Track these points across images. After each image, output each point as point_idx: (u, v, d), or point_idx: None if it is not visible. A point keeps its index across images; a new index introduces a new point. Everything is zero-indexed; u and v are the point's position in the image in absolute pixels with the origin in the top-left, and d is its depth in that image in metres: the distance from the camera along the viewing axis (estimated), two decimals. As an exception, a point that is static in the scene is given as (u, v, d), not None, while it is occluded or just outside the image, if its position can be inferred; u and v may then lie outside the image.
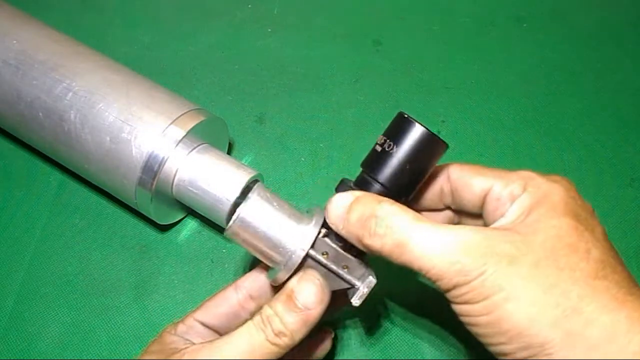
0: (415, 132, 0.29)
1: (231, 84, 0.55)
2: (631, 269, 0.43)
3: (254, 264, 0.43)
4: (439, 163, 0.32)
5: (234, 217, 0.31)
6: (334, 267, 0.30)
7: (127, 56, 0.56)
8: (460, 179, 0.31)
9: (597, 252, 0.26)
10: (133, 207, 0.41)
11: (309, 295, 0.29)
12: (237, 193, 0.38)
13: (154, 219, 0.41)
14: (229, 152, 0.48)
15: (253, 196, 0.31)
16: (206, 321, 0.33)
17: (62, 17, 0.60)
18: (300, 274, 0.30)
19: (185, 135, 0.38)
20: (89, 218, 0.45)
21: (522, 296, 0.25)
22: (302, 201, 0.46)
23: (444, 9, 0.63)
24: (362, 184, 0.31)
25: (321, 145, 0.50)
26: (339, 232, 0.29)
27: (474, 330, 0.26)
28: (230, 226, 0.31)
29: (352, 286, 0.31)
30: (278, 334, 0.28)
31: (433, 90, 0.55)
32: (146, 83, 0.41)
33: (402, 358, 0.39)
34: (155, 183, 0.38)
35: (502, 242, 0.26)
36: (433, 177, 0.32)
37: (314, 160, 0.49)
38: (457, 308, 0.27)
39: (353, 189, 0.30)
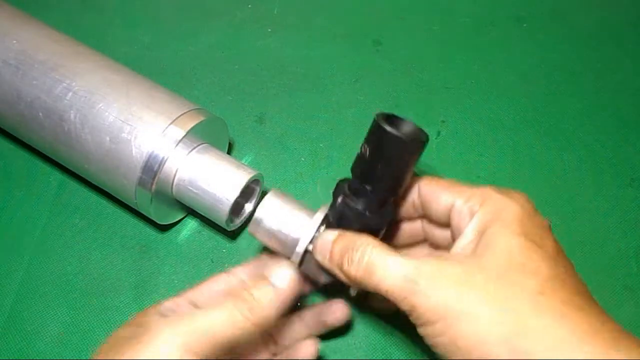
0: (384, 135, 0.30)
1: (231, 84, 0.55)
2: (631, 269, 0.43)
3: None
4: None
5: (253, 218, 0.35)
6: None
7: (127, 56, 0.56)
8: (428, 194, 0.34)
9: (545, 269, 0.27)
10: (133, 207, 0.41)
11: (283, 276, 0.32)
12: (237, 193, 0.38)
13: (154, 219, 0.41)
14: (229, 152, 0.48)
15: (269, 197, 0.35)
16: (195, 299, 0.34)
17: (62, 17, 0.60)
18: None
19: (185, 135, 0.38)
20: (89, 218, 0.45)
21: (473, 315, 0.26)
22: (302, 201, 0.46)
23: (444, 9, 0.63)
24: (353, 190, 0.33)
25: (321, 145, 0.50)
26: (323, 263, 0.32)
27: (437, 350, 0.28)
28: (249, 226, 0.35)
29: None
30: (251, 311, 0.30)
31: (433, 90, 0.55)
32: (146, 83, 0.41)
33: (402, 358, 0.39)
34: (155, 183, 0.38)
35: (455, 264, 0.28)
36: (406, 189, 0.34)
37: (314, 160, 0.49)
38: (419, 330, 0.28)
39: (346, 193, 0.33)
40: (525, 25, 0.62)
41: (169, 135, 0.38)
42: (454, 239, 0.32)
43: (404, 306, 0.28)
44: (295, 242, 0.34)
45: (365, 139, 0.32)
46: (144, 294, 0.41)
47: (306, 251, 0.34)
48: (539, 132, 0.52)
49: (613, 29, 0.62)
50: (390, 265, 0.29)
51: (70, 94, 0.39)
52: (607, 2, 0.65)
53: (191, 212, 0.45)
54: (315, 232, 0.34)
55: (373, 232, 0.33)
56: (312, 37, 0.60)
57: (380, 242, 0.31)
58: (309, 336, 0.37)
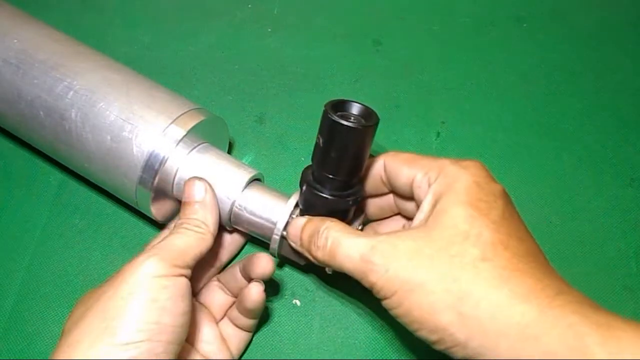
0: (333, 125, 0.32)
1: (231, 84, 0.55)
2: (631, 269, 0.43)
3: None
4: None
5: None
6: None
7: (127, 56, 0.56)
8: (392, 169, 0.35)
9: (488, 234, 0.29)
10: (133, 206, 0.41)
11: (194, 192, 0.36)
12: (237, 192, 0.38)
13: (154, 218, 0.41)
14: (229, 152, 0.48)
15: (246, 190, 0.38)
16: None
17: (62, 17, 0.60)
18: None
19: (186, 135, 0.38)
20: (89, 218, 0.45)
21: (423, 286, 0.28)
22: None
23: (444, 9, 0.63)
24: (316, 178, 0.35)
25: (321, 145, 0.50)
26: (296, 247, 0.36)
27: (400, 321, 0.30)
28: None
29: None
30: (197, 226, 0.34)
31: (433, 91, 0.55)
32: (147, 82, 0.41)
33: (403, 358, 0.39)
34: (155, 182, 0.38)
35: (406, 239, 0.30)
36: (373, 165, 0.37)
37: (314, 160, 0.49)
38: (383, 304, 0.30)
39: (309, 182, 0.35)
40: (525, 25, 0.62)
41: (170, 134, 0.38)
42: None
43: (365, 283, 0.31)
44: (272, 230, 0.37)
45: (319, 129, 0.33)
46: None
47: (282, 237, 0.37)
48: (538, 133, 0.52)
49: (613, 29, 0.62)
50: (349, 247, 0.31)
51: (71, 92, 0.39)
52: (607, 2, 0.65)
53: None
54: (289, 218, 0.37)
55: (341, 213, 0.36)
56: (312, 37, 0.60)
57: (343, 225, 0.33)
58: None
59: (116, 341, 0.29)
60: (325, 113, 0.32)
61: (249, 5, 0.63)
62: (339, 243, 0.32)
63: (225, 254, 0.42)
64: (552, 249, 0.44)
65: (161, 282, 0.31)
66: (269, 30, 0.60)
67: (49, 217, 0.45)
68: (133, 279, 0.30)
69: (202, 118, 0.40)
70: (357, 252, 0.31)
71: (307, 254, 0.35)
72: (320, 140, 0.33)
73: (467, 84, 0.56)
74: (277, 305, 0.41)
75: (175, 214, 0.43)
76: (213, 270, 0.41)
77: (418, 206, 0.34)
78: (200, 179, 0.37)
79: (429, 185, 0.33)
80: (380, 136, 0.51)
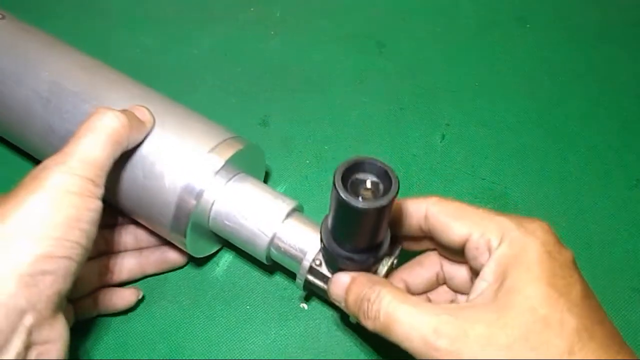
0: (338, 199, 0.28)
1: (235, 86, 0.55)
2: (638, 270, 0.43)
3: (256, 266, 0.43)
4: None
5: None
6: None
7: (130, 60, 0.56)
8: (439, 223, 0.31)
9: (572, 320, 0.26)
10: (168, 239, 0.39)
11: (107, 120, 0.33)
12: (276, 227, 0.36)
13: (190, 253, 0.39)
14: (266, 180, 0.47)
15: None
16: None
17: (65, 22, 0.60)
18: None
19: (222, 167, 0.37)
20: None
21: None
22: (308, 204, 0.46)
23: (447, 10, 0.63)
24: (335, 237, 0.32)
25: (326, 147, 0.50)
26: (342, 308, 0.33)
27: None
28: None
29: None
30: (116, 117, 0.33)
31: (437, 93, 0.55)
32: (181, 111, 0.40)
33: (403, 358, 0.39)
34: (190, 218, 0.36)
35: (476, 322, 0.26)
36: (410, 209, 0.33)
37: (319, 162, 0.49)
38: None
39: (329, 239, 0.32)
40: (528, 25, 0.62)
41: (204, 167, 0.36)
42: (473, 273, 0.31)
43: None
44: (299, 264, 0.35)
45: (330, 203, 0.30)
46: (151, 301, 0.41)
47: (309, 270, 0.35)
48: (543, 134, 0.52)
49: (617, 29, 0.62)
50: (408, 325, 0.28)
51: None
52: (610, 3, 0.65)
53: (227, 244, 0.43)
54: (312, 262, 0.35)
55: (365, 269, 0.33)
56: (315, 40, 0.60)
57: (396, 291, 0.29)
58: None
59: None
60: (334, 186, 0.28)
61: (252, 8, 0.63)
62: (395, 318, 0.28)
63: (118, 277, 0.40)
64: (559, 251, 0.44)
65: (86, 203, 0.30)
66: (272, 32, 0.60)
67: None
68: (57, 192, 0.29)
69: (238, 148, 0.38)
70: (417, 333, 0.27)
71: (355, 317, 0.31)
72: (331, 213, 0.30)
73: (471, 85, 0.56)
74: (284, 309, 0.41)
75: (210, 247, 0.42)
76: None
77: (472, 268, 0.31)
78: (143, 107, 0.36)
79: (489, 248, 0.29)
80: (385, 138, 0.51)
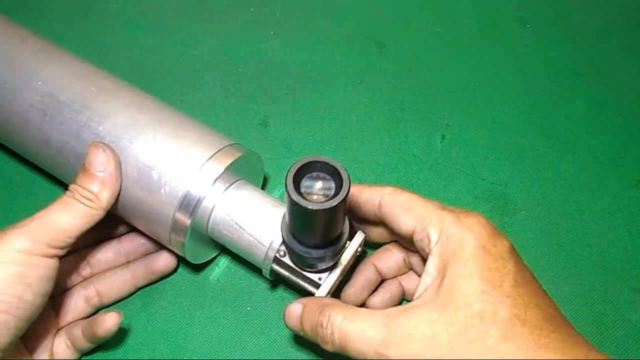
0: (290, 201, 0.29)
1: (234, 87, 0.55)
2: (638, 271, 0.43)
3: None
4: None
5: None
6: (294, 279, 0.36)
7: (130, 60, 0.56)
8: (389, 214, 0.34)
9: (504, 310, 0.28)
10: (167, 246, 0.39)
11: (97, 161, 0.35)
12: (275, 234, 0.36)
13: (189, 260, 0.40)
14: (263, 187, 0.47)
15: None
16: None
17: (63, 22, 0.60)
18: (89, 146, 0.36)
19: (221, 174, 0.36)
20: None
21: None
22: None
23: (447, 10, 0.63)
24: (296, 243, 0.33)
25: (326, 147, 0.50)
26: (303, 335, 0.34)
27: None
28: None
29: (312, 294, 0.35)
30: (88, 199, 0.34)
31: (437, 93, 0.55)
32: (177, 118, 0.39)
33: None
34: (189, 227, 0.36)
35: (420, 323, 0.29)
36: (367, 197, 0.35)
37: (318, 163, 0.49)
38: None
39: (287, 236, 0.33)
40: (528, 26, 0.62)
41: (203, 175, 0.36)
42: (424, 263, 0.33)
43: None
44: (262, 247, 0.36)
45: (287, 206, 0.31)
46: (151, 301, 0.41)
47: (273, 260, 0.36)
48: (543, 134, 0.52)
49: (617, 29, 0.62)
50: (360, 342, 0.30)
51: (98, 140, 0.37)
52: (611, 3, 0.65)
53: (224, 250, 0.43)
54: (276, 253, 0.36)
55: (326, 260, 0.34)
56: (314, 40, 0.60)
57: (344, 307, 0.31)
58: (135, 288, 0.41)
59: None
60: (285, 188, 0.28)
61: (251, 9, 0.63)
62: (348, 338, 0.30)
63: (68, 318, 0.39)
64: (559, 251, 0.44)
65: (33, 260, 0.31)
66: (272, 33, 0.60)
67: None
68: (5, 250, 0.31)
69: (236, 156, 0.37)
70: (369, 348, 0.29)
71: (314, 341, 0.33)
72: (287, 213, 0.32)
73: (471, 85, 0.56)
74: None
75: (208, 252, 0.42)
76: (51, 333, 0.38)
77: (422, 256, 0.33)
78: (107, 146, 0.36)
79: (430, 242, 0.32)
80: (385, 138, 0.51)
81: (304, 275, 0.35)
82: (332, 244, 0.33)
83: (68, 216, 0.33)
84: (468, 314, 0.28)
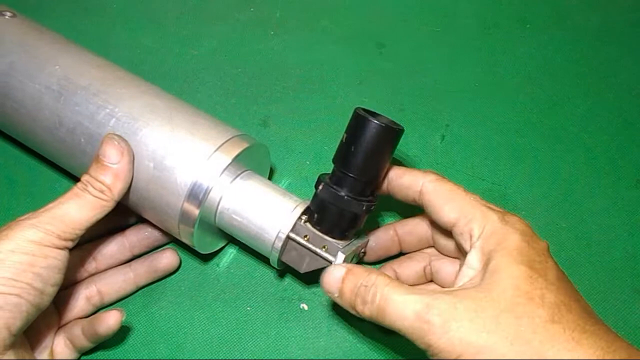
0: (360, 122, 0.34)
1: (235, 87, 0.55)
2: (638, 271, 0.43)
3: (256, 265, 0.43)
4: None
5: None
6: (312, 247, 0.36)
7: (130, 60, 0.56)
8: (431, 203, 0.35)
9: (550, 295, 0.29)
10: (175, 236, 0.39)
11: (111, 153, 0.35)
12: (288, 225, 0.37)
13: (196, 249, 0.40)
14: (270, 178, 0.47)
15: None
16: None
17: (64, 21, 0.60)
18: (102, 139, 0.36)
19: (230, 163, 0.37)
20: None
21: (491, 350, 0.27)
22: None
23: (447, 11, 0.63)
24: (334, 179, 0.36)
25: (326, 148, 0.50)
26: (334, 299, 0.33)
27: None
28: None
29: (330, 262, 0.36)
30: (100, 191, 0.34)
31: (437, 93, 0.55)
32: (189, 109, 0.40)
33: (403, 358, 0.39)
34: (199, 212, 0.37)
35: (465, 298, 0.29)
36: (409, 180, 0.36)
37: (319, 163, 0.49)
38: None
39: (329, 185, 0.36)
40: (528, 26, 0.62)
41: (214, 163, 0.36)
42: (460, 251, 0.33)
43: (421, 344, 0.29)
44: (274, 230, 0.36)
45: (346, 128, 0.35)
46: (151, 301, 0.41)
47: (287, 238, 0.36)
48: (543, 134, 0.52)
49: (616, 29, 0.62)
50: (402, 304, 0.29)
51: (113, 120, 0.38)
52: (610, 3, 0.65)
53: (232, 240, 0.44)
54: (297, 220, 0.36)
55: (353, 217, 0.36)
56: (315, 40, 0.60)
57: (391, 278, 0.31)
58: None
59: None
60: (355, 111, 0.35)
61: (252, 9, 0.63)
62: (390, 298, 0.30)
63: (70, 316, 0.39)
64: (559, 252, 0.44)
65: (43, 251, 0.32)
66: (272, 33, 0.60)
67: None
68: (16, 240, 0.31)
69: (245, 145, 0.38)
70: (411, 310, 0.29)
71: (349, 309, 0.32)
72: (345, 137, 0.35)
73: (471, 86, 0.56)
74: (284, 310, 0.41)
75: (216, 242, 0.42)
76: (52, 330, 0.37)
77: (459, 248, 0.34)
78: (121, 138, 0.36)
79: (472, 237, 0.32)
80: (385, 139, 0.51)
81: (318, 249, 0.36)
82: (368, 196, 0.36)
83: (79, 208, 0.33)
84: (515, 293, 0.28)
